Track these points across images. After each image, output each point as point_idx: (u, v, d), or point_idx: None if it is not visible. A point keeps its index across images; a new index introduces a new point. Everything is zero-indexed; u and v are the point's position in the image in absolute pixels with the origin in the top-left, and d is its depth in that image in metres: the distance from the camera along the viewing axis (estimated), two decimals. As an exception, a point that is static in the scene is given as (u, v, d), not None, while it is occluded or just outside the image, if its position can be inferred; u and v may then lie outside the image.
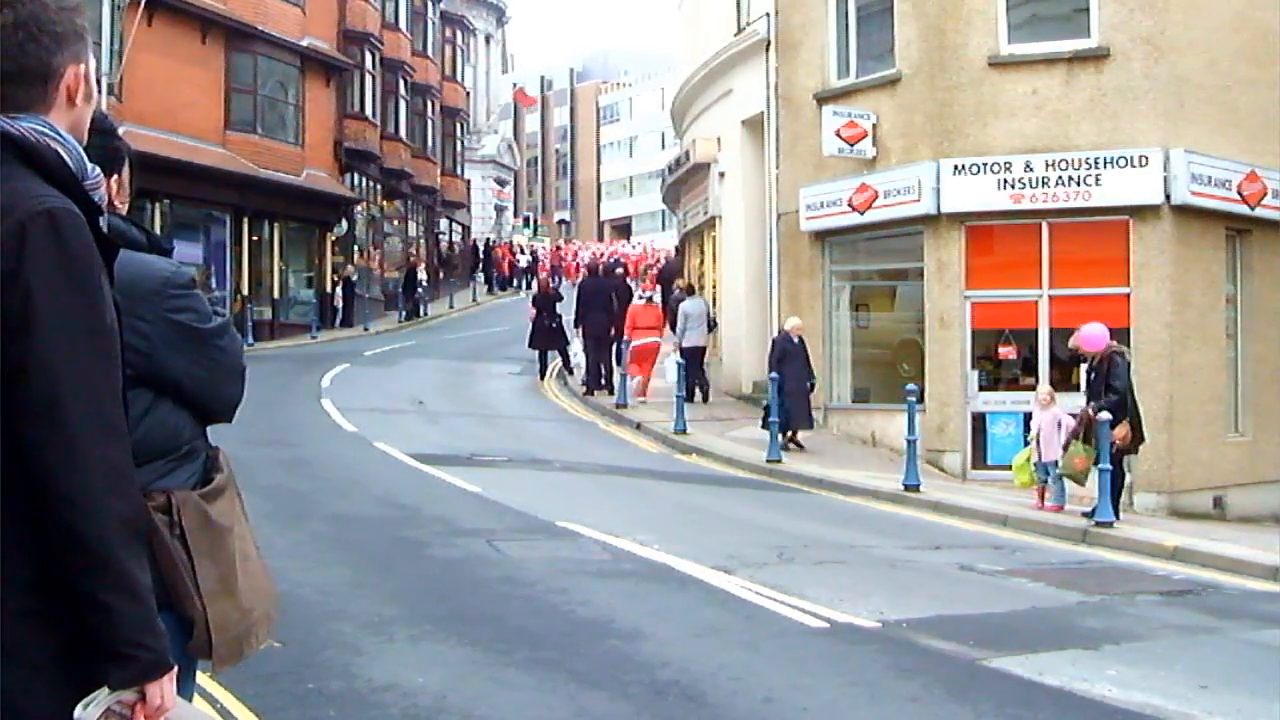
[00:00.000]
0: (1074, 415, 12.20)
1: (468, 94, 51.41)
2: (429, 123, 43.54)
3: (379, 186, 38.51)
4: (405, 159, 39.38)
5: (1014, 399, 15.87)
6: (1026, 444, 13.11)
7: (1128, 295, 15.30)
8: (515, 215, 73.55)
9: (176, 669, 2.00)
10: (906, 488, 13.23)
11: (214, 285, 28.00)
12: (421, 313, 38.38)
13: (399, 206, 41.92)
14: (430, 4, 44.42)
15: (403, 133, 39.50)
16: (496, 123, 65.57)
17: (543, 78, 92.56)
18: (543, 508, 10.84)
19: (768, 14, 19.54)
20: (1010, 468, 13.24)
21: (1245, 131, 15.83)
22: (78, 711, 1.91)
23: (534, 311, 23.03)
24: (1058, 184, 15.40)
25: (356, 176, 35.79)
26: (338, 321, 33.50)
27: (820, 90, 18.06)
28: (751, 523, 11.37)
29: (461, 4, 52.87)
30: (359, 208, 36.49)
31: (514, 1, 68.56)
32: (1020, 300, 16.02)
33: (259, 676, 5.38)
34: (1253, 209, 15.96)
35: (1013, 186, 15.64)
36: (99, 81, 2.37)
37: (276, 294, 31.60)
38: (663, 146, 63.22)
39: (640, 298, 23.78)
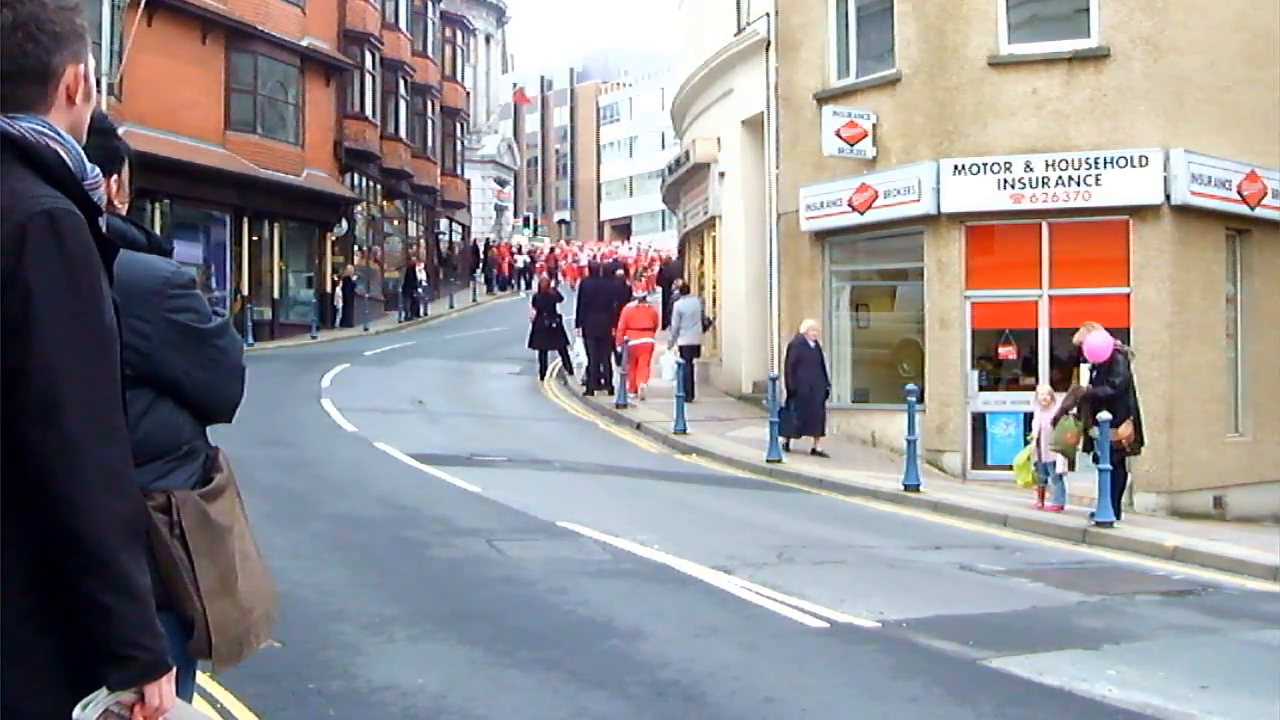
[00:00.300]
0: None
1: (468, 94, 51.41)
2: (429, 123, 43.55)
3: (379, 186, 38.52)
4: (405, 159, 39.38)
5: (1014, 399, 15.87)
6: (1027, 444, 13.12)
7: (1128, 295, 15.30)
8: (515, 215, 73.55)
9: (175, 670, 2.00)
10: (906, 488, 13.23)
11: (214, 285, 28.00)
12: (421, 313, 38.40)
13: (399, 206, 41.93)
14: (430, 4, 44.42)
15: (403, 133, 39.51)
16: (496, 123, 65.58)
17: (543, 78, 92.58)
18: (543, 508, 10.84)
19: (768, 14, 19.53)
20: (1010, 468, 13.26)
21: (1245, 131, 15.82)
22: (76, 712, 1.91)
23: (534, 312, 23.05)
24: (1058, 184, 15.40)
25: (356, 176, 35.79)
26: (337, 321, 33.50)
27: (820, 90, 18.06)
28: (751, 523, 11.37)
29: (461, 4, 52.87)
30: (359, 208, 36.51)
31: (514, 1, 68.60)
32: (1020, 300, 16.02)
33: (259, 676, 5.38)
34: (1253, 209, 15.96)
35: (1013, 186, 15.64)
36: (99, 81, 2.37)
37: (276, 294, 31.60)
38: (663, 146, 63.24)
39: (635, 298, 23.78)
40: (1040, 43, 15.96)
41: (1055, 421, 12.17)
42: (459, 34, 49.75)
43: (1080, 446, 12.26)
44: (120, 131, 2.74)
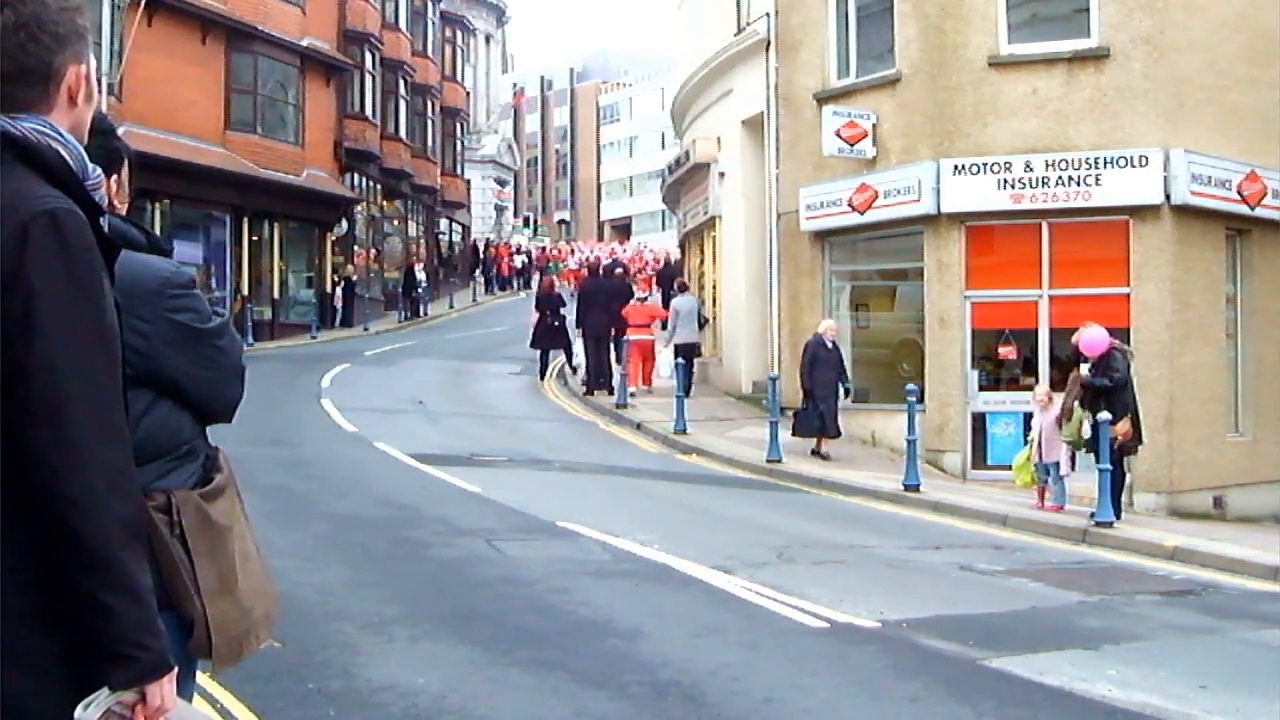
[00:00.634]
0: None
1: (468, 94, 51.42)
2: (429, 123, 43.56)
3: (379, 186, 38.53)
4: (405, 159, 39.39)
5: (1014, 399, 15.88)
6: (1026, 444, 13.12)
7: (1128, 295, 15.31)
8: (515, 215, 73.54)
9: (176, 669, 2.00)
10: (906, 488, 13.23)
11: (214, 285, 28.01)
12: (421, 313, 38.41)
13: (399, 206, 41.93)
14: (430, 4, 44.42)
15: (403, 133, 39.51)
16: (496, 123, 65.57)
17: (543, 78, 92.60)
18: (543, 507, 10.84)
19: (768, 14, 19.53)
20: (1010, 468, 13.26)
21: (1245, 131, 15.83)
22: (78, 712, 1.91)
23: (538, 314, 23.08)
24: (1058, 184, 15.40)
25: (356, 176, 35.80)
26: (338, 321, 33.51)
27: (820, 90, 18.06)
28: (751, 523, 11.37)
29: (461, 4, 52.87)
30: (359, 208, 36.51)
31: (514, 1, 68.62)
32: (1020, 300, 16.03)
33: (259, 676, 5.38)
34: (1253, 209, 15.96)
35: (1013, 186, 15.64)
36: (99, 81, 2.37)
37: (276, 294, 31.60)
38: (663, 146, 63.26)
39: (636, 298, 23.92)
40: (1040, 43, 15.97)
41: (1061, 418, 12.15)
42: (459, 34, 49.75)
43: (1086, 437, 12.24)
44: (120, 131, 2.74)
